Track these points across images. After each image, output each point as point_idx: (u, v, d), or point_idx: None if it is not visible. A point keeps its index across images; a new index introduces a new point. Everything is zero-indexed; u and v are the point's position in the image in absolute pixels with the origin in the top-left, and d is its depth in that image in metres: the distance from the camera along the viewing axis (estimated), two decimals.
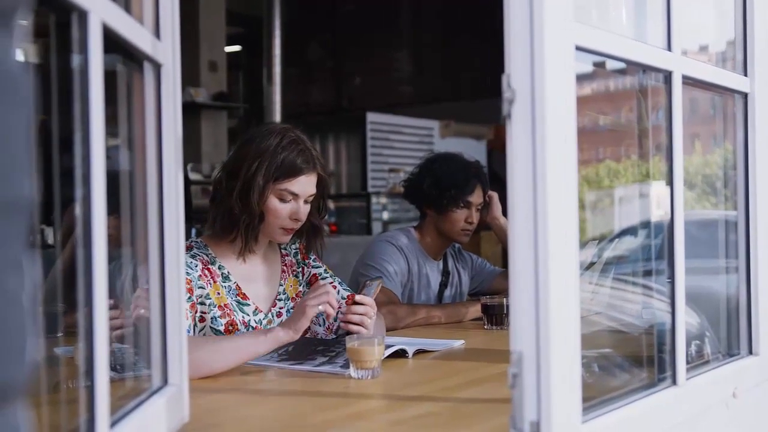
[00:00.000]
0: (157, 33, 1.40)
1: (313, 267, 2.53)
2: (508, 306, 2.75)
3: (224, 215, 2.30)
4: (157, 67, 1.40)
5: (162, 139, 1.41)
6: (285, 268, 2.48)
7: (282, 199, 2.29)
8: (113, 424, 1.13)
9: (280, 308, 2.42)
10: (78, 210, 1.05)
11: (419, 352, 2.28)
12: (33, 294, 0.61)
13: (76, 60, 1.05)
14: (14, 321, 0.58)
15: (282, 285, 2.45)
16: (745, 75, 1.89)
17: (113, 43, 1.15)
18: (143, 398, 1.33)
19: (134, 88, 1.39)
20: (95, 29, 1.05)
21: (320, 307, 2.06)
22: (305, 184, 2.31)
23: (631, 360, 1.78)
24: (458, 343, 2.45)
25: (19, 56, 0.60)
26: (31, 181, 0.60)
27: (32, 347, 0.60)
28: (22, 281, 0.59)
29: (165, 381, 1.42)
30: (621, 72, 1.79)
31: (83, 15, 1.03)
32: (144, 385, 1.40)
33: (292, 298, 2.45)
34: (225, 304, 2.28)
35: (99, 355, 1.05)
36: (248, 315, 2.32)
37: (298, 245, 2.53)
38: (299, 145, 2.30)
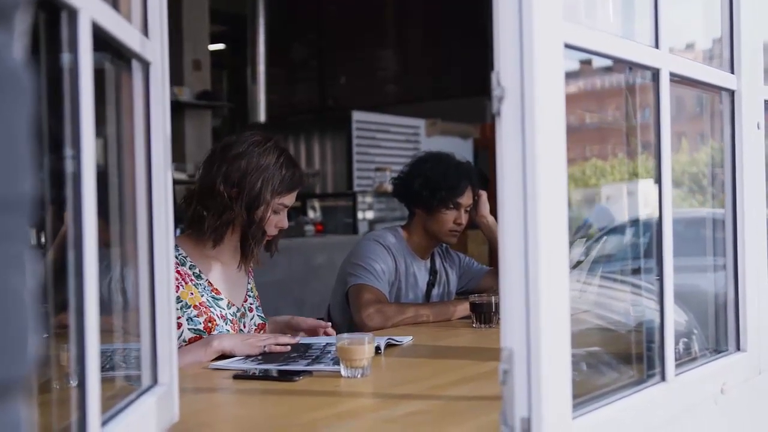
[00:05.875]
0: (145, 31, 1.39)
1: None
2: (496, 304, 2.77)
3: (226, 225, 2.38)
4: (145, 65, 1.39)
5: (151, 137, 1.40)
6: (249, 269, 2.60)
7: (275, 212, 2.42)
8: (104, 423, 1.12)
9: (251, 304, 2.56)
10: (68, 210, 1.04)
11: (389, 346, 2.34)
12: (34, 291, 0.61)
13: (65, 58, 1.05)
14: (17, 318, 0.58)
15: (250, 284, 2.59)
16: (732, 72, 1.90)
17: (101, 41, 1.15)
18: (133, 398, 1.33)
19: (122, 87, 1.38)
20: (85, 27, 1.04)
21: (266, 348, 2.23)
22: (294, 197, 2.48)
23: (620, 357, 1.79)
24: (407, 339, 2.48)
25: (20, 54, 0.60)
26: (31, 179, 0.60)
27: (34, 344, 0.60)
28: (25, 278, 0.59)
29: (155, 380, 1.42)
30: (607, 70, 1.80)
31: (73, 13, 1.02)
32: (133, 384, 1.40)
33: (256, 297, 2.61)
34: (200, 303, 2.36)
35: (90, 356, 1.04)
36: (224, 309, 2.42)
37: None
38: (293, 161, 2.47)
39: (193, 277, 2.38)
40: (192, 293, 2.35)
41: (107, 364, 1.40)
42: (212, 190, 2.36)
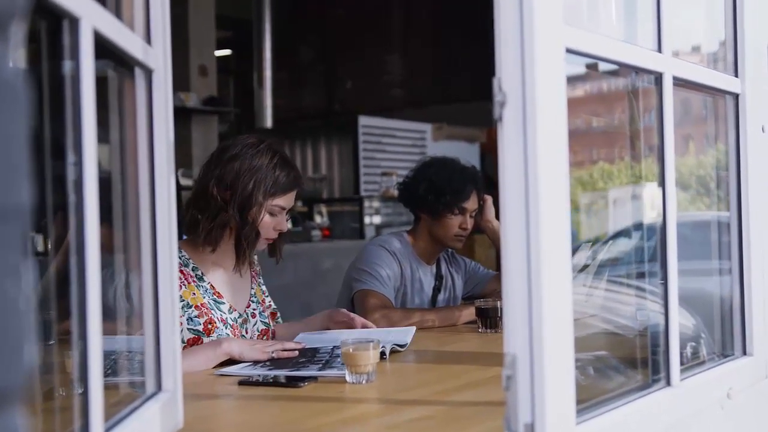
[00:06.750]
0: (148, 38, 1.40)
1: (263, 284, 2.67)
2: (501, 309, 2.76)
3: (220, 228, 2.38)
4: (148, 72, 1.40)
5: (154, 144, 1.41)
6: (253, 274, 2.61)
7: (271, 214, 2.42)
8: (107, 430, 1.13)
9: (254, 310, 2.55)
10: (70, 217, 1.04)
11: (394, 352, 2.34)
12: (30, 299, 0.61)
13: (67, 66, 1.05)
14: (13, 326, 0.58)
15: (253, 289, 2.58)
16: (736, 76, 1.89)
17: (104, 48, 1.15)
18: (137, 404, 1.33)
19: (125, 94, 1.39)
20: (86, 35, 1.05)
21: (273, 354, 2.23)
22: (292, 199, 2.47)
23: (626, 361, 1.79)
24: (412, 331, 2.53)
25: (16, 63, 0.60)
26: (28, 187, 0.60)
27: (30, 352, 0.61)
28: (21, 287, 0.60)
29: (159, 387, 1.42)
30: (614, 74, 1.80)
31: (74, 21, 1.03)
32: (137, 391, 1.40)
33: (261, 302, 2.59)
34: (202, 303, 2.37)
35: (92, 363, 1.04)
36: (224, 313, 2.42)
37: (256, 257, 2.67)
38: (289, 163, 2.45)
39: (195, 279, 2.39)
40: (194, 293, 2.36)
41: (110, 369, 1.40)
42: (205, 193, 2.37)
